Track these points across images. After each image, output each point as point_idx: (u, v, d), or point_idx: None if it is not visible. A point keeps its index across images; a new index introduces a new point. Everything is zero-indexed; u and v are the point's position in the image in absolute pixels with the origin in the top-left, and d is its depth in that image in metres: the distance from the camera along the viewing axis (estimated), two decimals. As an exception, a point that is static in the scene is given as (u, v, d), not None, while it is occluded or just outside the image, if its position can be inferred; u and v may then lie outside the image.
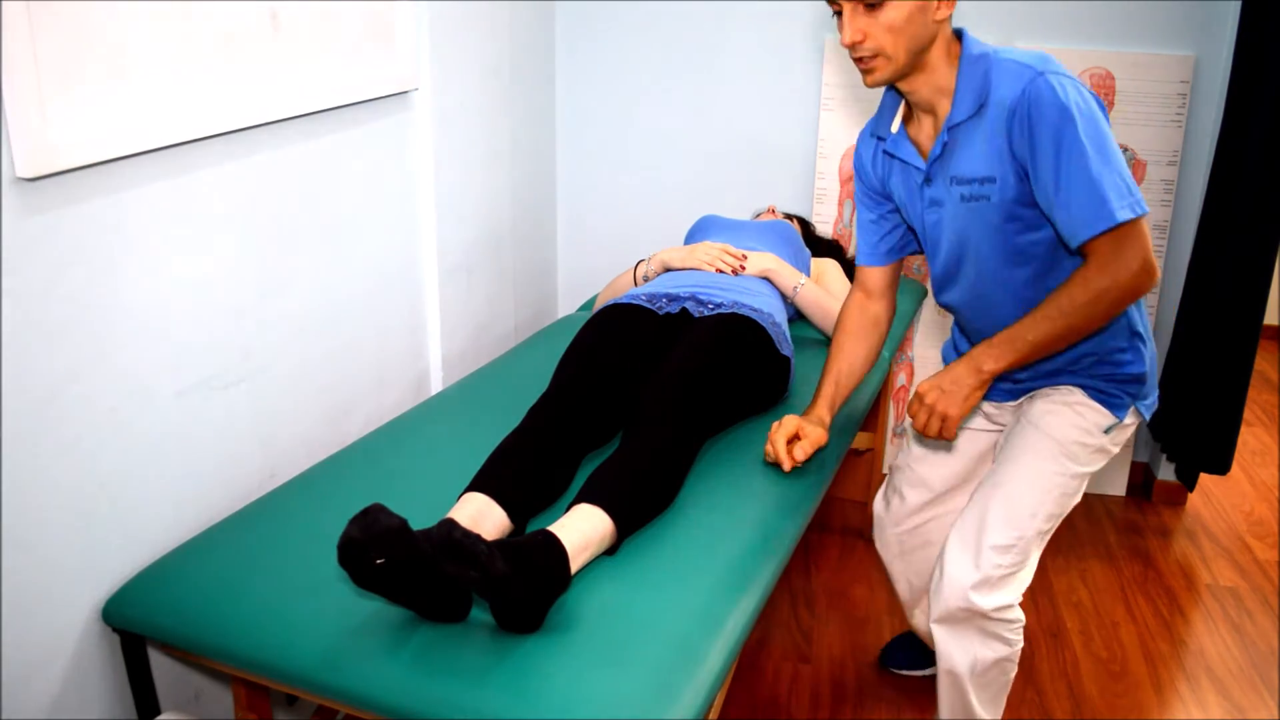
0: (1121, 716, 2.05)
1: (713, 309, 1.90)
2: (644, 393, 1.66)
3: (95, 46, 1.25)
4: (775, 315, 1.94)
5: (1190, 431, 2.71)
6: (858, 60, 1.45)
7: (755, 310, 1.89)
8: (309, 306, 1.77)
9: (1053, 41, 2.62)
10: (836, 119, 2.73)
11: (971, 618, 1.61)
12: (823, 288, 2.19)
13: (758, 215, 2.63)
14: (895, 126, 1.59)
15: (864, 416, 1.99)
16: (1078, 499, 1.65)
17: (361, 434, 1.92)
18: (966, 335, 1.74)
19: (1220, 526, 2.78)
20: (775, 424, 1.68)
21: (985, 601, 1.58)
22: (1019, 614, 1.64)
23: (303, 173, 1.71)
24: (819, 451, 1.69)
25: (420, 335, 2.20)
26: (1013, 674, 1.70)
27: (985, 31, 2.63)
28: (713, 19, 2.75)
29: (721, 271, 2.10)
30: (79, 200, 1.28)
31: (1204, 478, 3.00)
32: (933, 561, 1.98)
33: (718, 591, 1.34)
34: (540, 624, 1.25)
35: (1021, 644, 1.67)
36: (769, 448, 1.66)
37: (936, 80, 1.48)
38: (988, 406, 1.79)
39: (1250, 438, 3.29)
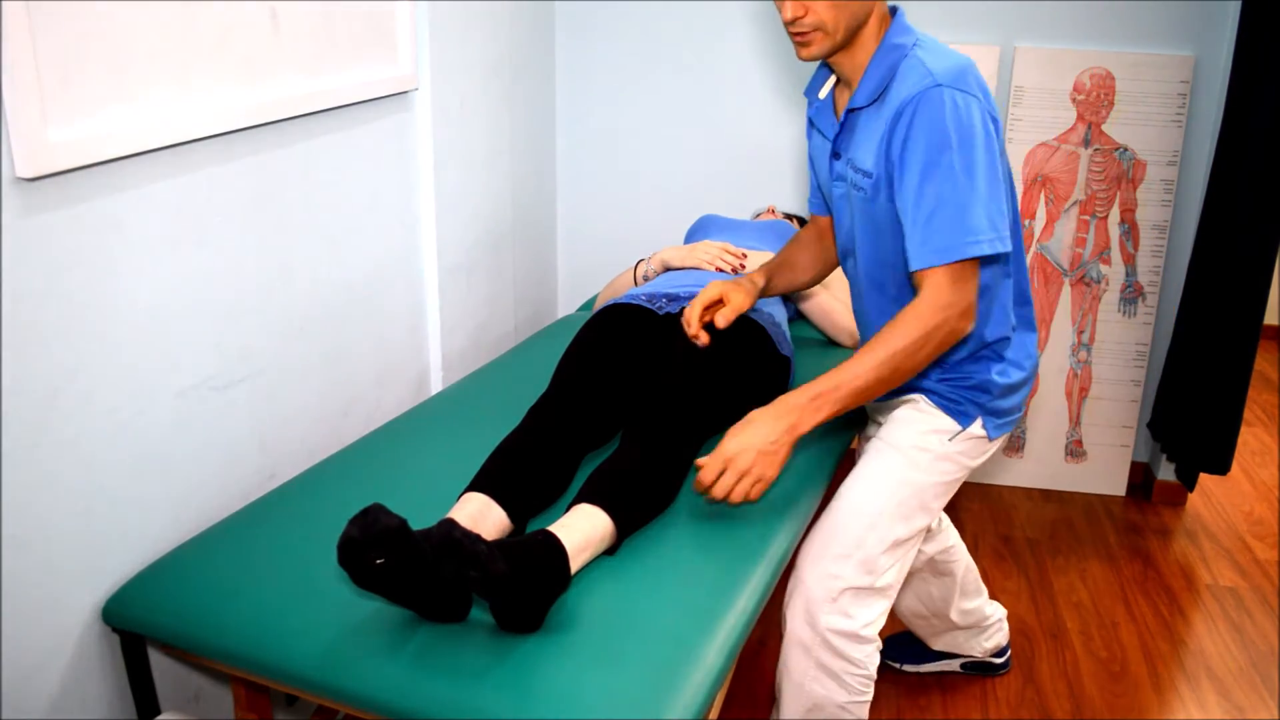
0: (1121, 716, 2.05)
1: (713, 309, 1.90)
2: (644, 393, 1.66)
3: (95, 46, 1.25)
4: (775, 315, 1.94)
5: (1190, 431, 2.71)
6: (795, 34, 1.42)
7: (755, 310, 1.89)
8: (309, 306, 1.77)
9: (1053, 41, 2.62)
10: (836, 119, 2.73)
11: (814, 642, 1.53)
12: (824, 288, 2.19)
13: (757, 215, 2.63)
14: (824, 93, 1.58)
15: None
16: (928, 515, 1.58)
17: (361, 434, 1.92)
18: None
19: (1220, 526, 2.78)
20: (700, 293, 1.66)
21: (826, 618, 1.51)
22: (866, 661, 1.55)
23: (303, 172, 1.71)
24: (819, 452, 1.69)
25: (420, 335, 2.20)
26: None
27: (986, 32, 2.64)
28: (712, 18, 2.75)
29: (722, 270, 2.10)
30: (79, 200, 1.28)
31: (1204, 478, 3.00)
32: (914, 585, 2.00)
33: (717, 591, 1.34)
34: (540, 624, 1.25)
35: (864, 701, 1.56)
36: (685, 320, 1.63)
37: (858, 59, 1.46)
38: (871, 415, 1.80)
39: (1250, 438, 3.29)
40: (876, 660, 1.57)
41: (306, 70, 1.67)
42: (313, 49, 1.68)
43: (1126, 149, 2.64)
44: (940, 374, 1.57)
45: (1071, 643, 2.27)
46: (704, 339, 1.67)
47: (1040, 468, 2.92)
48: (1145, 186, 2.66)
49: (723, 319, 1.62)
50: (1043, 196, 2.71)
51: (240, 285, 1.59)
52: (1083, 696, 2.10)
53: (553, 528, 1.32)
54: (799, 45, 1.43)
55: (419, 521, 1.28)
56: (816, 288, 2.11)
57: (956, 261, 1.35)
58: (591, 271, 2.98)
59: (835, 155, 1.54)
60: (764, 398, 1.84)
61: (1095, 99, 2.63)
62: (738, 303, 1.65)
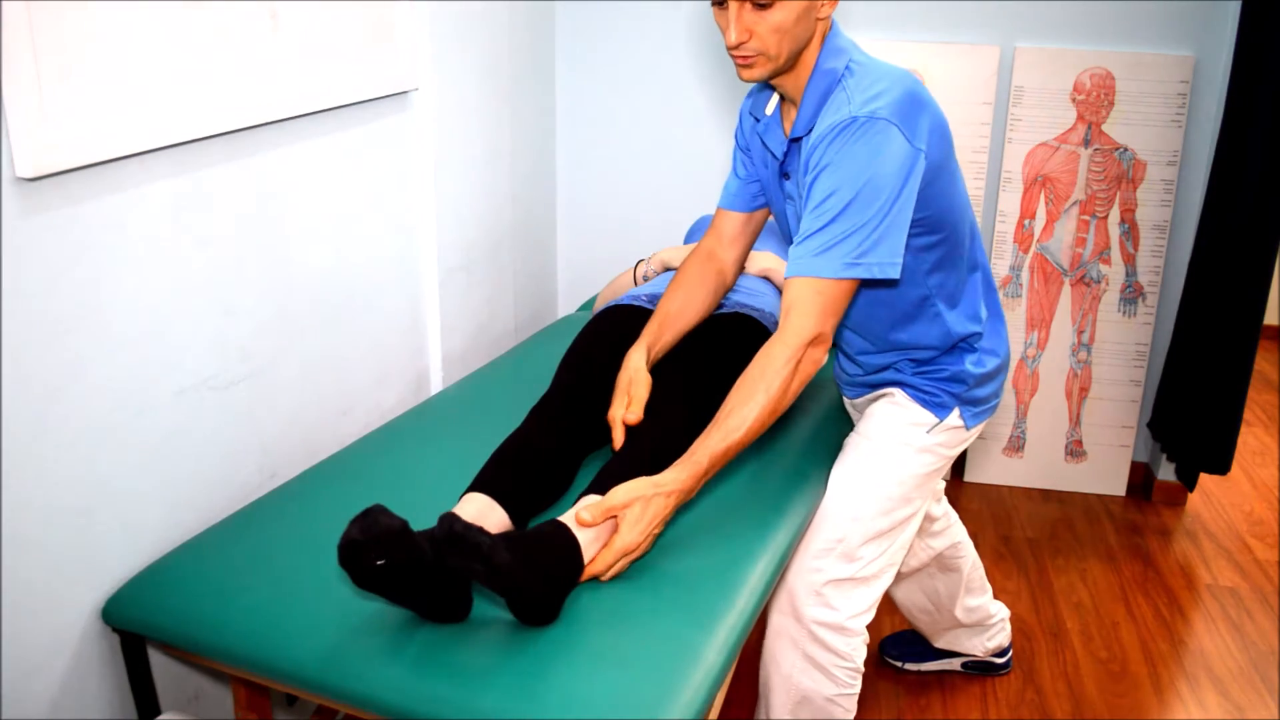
0: (1121, 716, 2.05)
1: (713, 309, 1.90)
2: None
3: (95, 46, 1.25)
4: (776, 314, 1.94)
5: (1190, 431, 2.71)
6: (739, 58, 1.40)
7: (756, 310, 1.89)
8: (309, 306, 1.77)
9: (1053, 41, 2.62)
10: (836, 119, 2.73)
11: (801, 635, 1.55)
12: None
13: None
14: (770, 109, 1.56)
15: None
16: (909, 506, 1.60)
17: (361, 434, 1.92)
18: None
19: (1220, 526, 2.78)
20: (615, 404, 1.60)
21: (810, 610, 1.54)
22: (853, 654, 1.57)
23: (303, 172, 1.71)
24: (819, 452, 1.69)
25: (420, 335, 2.20)
26: None
27: (986, 32, 2.64)
28: (712, 19, 2.75)
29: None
30: (79, 200, 1.28)
31: (1204, 478, 3.00)
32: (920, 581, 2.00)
33: (717, 591, 1.34)
34: (556, 614, 1.25)
35: (851, 694, 1.58)
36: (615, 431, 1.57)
37: (801, 79, 1.45)
38: (852, 411, 1.80)
39: (1250, 438, 3.29)
40: (864, 653, 1.59)
41: (306, 70, 1.67)
42: (313, 49, 1.68)
43: (1126, 149, 2.64)
44: (915, 368, 1.59)
45: (1071, 643, 2.27)
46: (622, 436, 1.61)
47: (1040, 468, 2.92)
48: (1145, 186, 2.66)
49: (634, 415, 1.57)
50: (1043, 196, 2.71)
51: (240, 285, 1.59)
52: (1083, 696, 2.10)
53: (562, 518, 1.33)
54: (741, 67, 1.41)
55: (419, 522, 1.28)
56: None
57: (832, 279, 1.35)
58: (591, 271, 2.98)
59: (784, 175, 1.54)
60: None
61: (1095, 99, 2.63)
62: (641, 395, 1.59)
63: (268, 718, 1.49)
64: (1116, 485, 2.91)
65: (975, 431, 1.63)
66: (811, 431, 1.80)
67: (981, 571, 2.02)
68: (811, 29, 1.41)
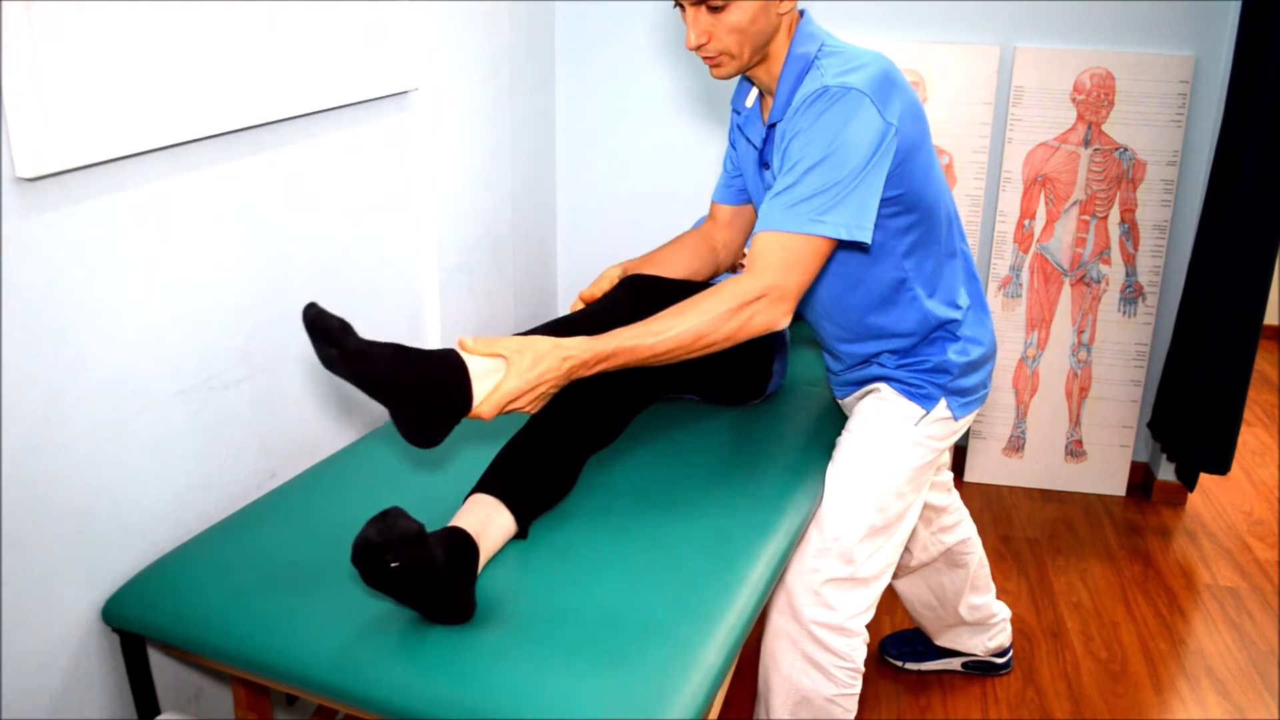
0: (1121, 716, 2.05)
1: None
2: (646, 392, 1.66)
3: (95, 46, 1.25)
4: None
5: (1190, 431, 2.71)
6: (703, 58, 1.43)
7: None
8: (309, 306, 1.77)
9: (1053, 41, 2.62)
10: (836, 119, 2.73)
11: (800, 635, 1.56)
12: None
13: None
14: (750, 101, 1.58)
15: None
16: (904, 502, 1.60)
17: (361, 434, 1.92)
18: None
19: (1220, 526, 2.78)
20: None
21: (809, 610, 1.55)
22: (852, 654, 1.57)
23: (303, 173, 1.71)
24: (818, 452, 1.69)
25: (420, 335, 2.20)
26: None
27: (986, 32, 2.64)
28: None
29: (721, 271, 2.10)
30: (79, 200, 1.28)
31: (1204, 478, 3.00)
32: (926, 579, 2.01)
33: (717, 591, 1.34)
34: (439, 441, 1.30)
35: (851, 694, 1.59)
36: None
37: (774, 69, 1.48)
38: (846, 413, 1.80)
39: (1250, 438, 3.29)
40: (863, 653, 1.59)
41: (306, 70, 1.67)
42: (312, 49, 1.68)
43: (1126, 149, 2.65)
44: (898, 360, 1.59)
45: (1071, 643, 2.27)
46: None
47: (1040, 468, 2.92)
48: (1145, 186, 2.66)
49: (589, 292, 1.64)
50: (1043, 196, 2.71)
51: (240, 285, 1.59)
52: (1083, 696, 2.10)
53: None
54: (710, 67, 1.45)
55: (421, 521, 1.28)
56: None
57: (799, 234, 1.35)
58: (591, 271, 2.97)
59: (764, 165, 1.55)
60: (758, 383, 1.84)
61: (1095, 99, 2.63)
62: (604, 287, 1.66)
63: (268, 718, 1.49)
64: (1116, 485, 2.91)
65: (965, 422, 1.64)
66: (810, 431, 1.80)
67: (987, 570, 2.03)
68: (773, 24, 1.42)
